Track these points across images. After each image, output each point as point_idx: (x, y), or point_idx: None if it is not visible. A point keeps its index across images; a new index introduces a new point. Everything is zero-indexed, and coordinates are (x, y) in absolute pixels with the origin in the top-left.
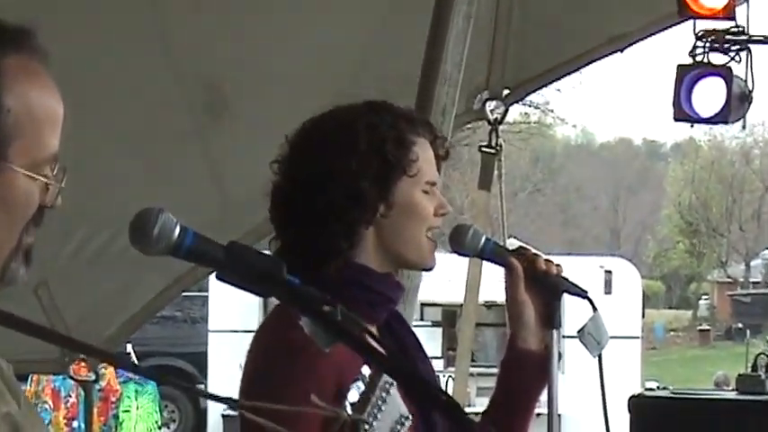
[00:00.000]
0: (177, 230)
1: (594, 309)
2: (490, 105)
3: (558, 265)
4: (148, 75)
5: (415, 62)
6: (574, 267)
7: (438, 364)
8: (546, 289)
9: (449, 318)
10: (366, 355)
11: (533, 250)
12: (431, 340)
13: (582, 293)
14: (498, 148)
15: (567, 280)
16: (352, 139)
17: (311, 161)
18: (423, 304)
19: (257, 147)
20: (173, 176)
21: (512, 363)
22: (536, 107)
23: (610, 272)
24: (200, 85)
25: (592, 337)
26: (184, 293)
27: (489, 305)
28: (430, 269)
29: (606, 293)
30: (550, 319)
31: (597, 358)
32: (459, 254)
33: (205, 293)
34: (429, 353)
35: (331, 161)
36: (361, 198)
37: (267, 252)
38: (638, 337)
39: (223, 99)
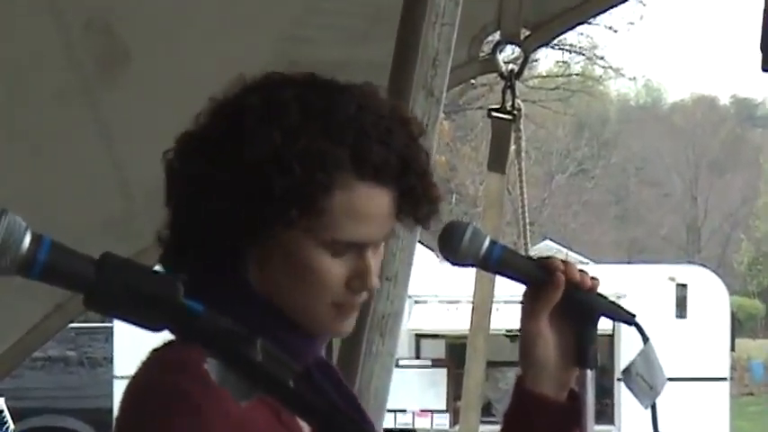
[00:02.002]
0: (27, 239)
1: (645, 339)
2: (504, 52)
3: (593, 278)
4: (20, 12)
5: None
6: (634, 280)
7: (442, 420)
8: (575, 311)
9: (456, 354)
10: (302, 414)
11: (569, 256)
12: (431, 386)
13: (626, 317)
14: (516, 112)
15: (604, 298)
16: (238, 147)
17: (193, 152)
18: (418, 335)
19: (169, 116)
20: (55, 154)
21: (517, 413)
22: (579, 53)
23: (684, 286)
24: (88, 28)
25: (642, 380)
26: (77, 325)
27: (513, 335)
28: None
29: (679, 317)
30: (582, 353)
31: (650, 409)
32: (454, 264)
33: (109, 325)
34: (429, 404)
35: (210, 160)
36: (229, 224)
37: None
38: (725, 379)
39: (120, 47)
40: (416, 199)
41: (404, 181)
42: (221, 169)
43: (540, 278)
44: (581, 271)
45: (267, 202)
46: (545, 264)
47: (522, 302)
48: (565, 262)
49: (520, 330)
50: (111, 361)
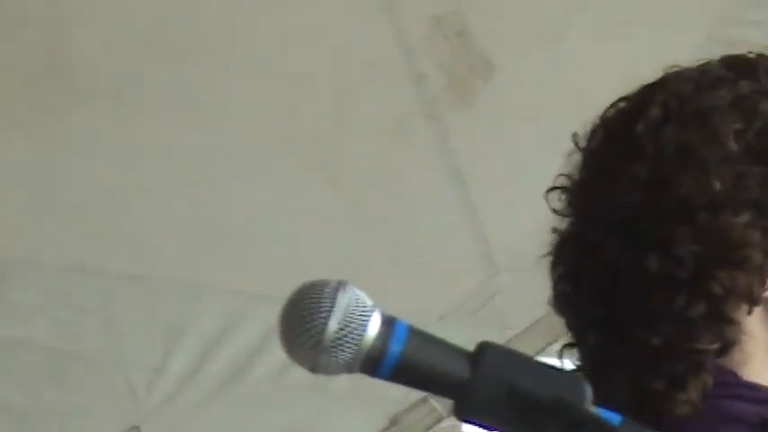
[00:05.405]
0: (375, 324)
1: None
2: None
3: None
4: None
5: None
6: None
7: None
8: None
9: None
10: None
11: None
12: None
13: None
14: None
15: None
16: (712, 131)
17: (633, 176)
18: None
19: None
20: (385, 203)
21: None
22: None
23: None
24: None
25: None
26: None
27: None
28: None
29: None
30: None
31: None
32: None
33: None
34: None
35: (677, 174)
36: (740, 255)
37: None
38: None
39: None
40: None
41: None
42: (702, 170)
43: None
44: None
45: None
46: None
47: None
48: None
49: None
50: None
